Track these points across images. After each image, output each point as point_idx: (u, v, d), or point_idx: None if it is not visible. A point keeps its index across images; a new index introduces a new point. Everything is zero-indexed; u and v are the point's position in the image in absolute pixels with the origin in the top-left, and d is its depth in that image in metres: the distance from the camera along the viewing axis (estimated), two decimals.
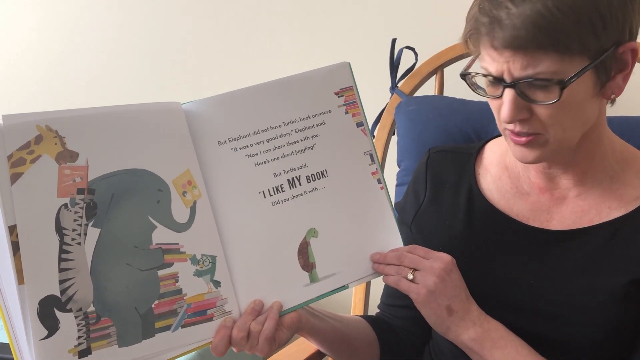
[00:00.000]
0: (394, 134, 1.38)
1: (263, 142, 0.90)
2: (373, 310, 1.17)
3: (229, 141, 0.89)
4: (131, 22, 1.91)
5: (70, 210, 0.78)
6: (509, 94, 0.85)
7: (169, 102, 0.87)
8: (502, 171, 1.01)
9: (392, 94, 1.39)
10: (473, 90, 0.91)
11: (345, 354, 1.04)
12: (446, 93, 1.39)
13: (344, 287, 0.94)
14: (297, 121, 0.92)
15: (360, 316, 1.10)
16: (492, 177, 1.02)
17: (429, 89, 1.41)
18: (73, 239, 0.78)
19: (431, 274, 0.89)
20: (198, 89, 1.86)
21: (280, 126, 0.91)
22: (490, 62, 0.85)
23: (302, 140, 0.92)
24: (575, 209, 0.95)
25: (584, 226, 0.94)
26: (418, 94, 1.39)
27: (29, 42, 2.01)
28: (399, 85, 1.39)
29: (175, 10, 1.87)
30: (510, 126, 0.87)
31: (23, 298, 0.75)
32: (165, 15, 1.88)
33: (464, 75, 0.91)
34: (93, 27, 1.95)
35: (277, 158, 0.91)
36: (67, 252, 0.78)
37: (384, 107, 1.39)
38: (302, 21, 1.74)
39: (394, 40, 1.39)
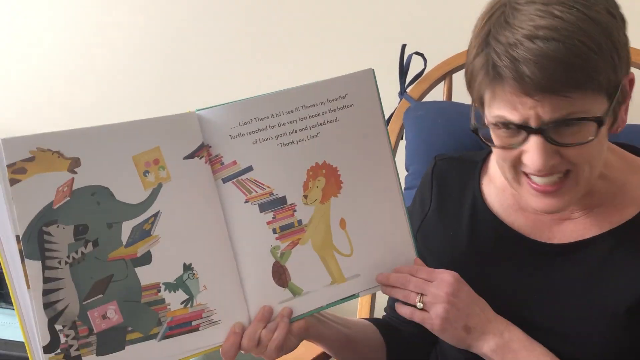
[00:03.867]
0: (402, 139, 1.39)
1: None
2: (379, 312, 1.17)
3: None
4: (141, 25, 1.92)
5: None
6: (536, 140, 0.80)
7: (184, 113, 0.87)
8: (506, 185, 0.98)
9: (401, 99, 1.39)
10: (484, 143, 0.87)
11: (352, 359, 1.04)
12: (455, 99, 1.40)
13: (354, 296, 0.94)
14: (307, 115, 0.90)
15: (368, 319, 1.10)
16: (495, 188, 1.01)
17: (437, 94, 1.41)
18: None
19: (439, 301, 0.88)
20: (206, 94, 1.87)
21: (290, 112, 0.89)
22: (510, 108, 0.80)
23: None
24: (576, 226, 0.94)
25: (585, 237, 0.92)
26: (427, 99, 1.40)
27: (39, 45, 2.03)
28: (407, 90, 1.40)
29: (185, 14, 1.88)
30: (537, 178, 0.84)
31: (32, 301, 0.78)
32: (174, 19, 1.89)
33: (476, 130, 0.87)
34: (102, 29, 1.96)
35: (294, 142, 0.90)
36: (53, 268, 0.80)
37: (392, 111, 1.40)
38: (311, 25, 1.75)
39: (403, 46, 1.39)
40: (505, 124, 0.82)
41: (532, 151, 0.81)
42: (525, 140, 0.82)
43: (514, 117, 0.81)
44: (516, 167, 0.86)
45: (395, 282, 0.92)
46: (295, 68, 1.78)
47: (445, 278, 0.89)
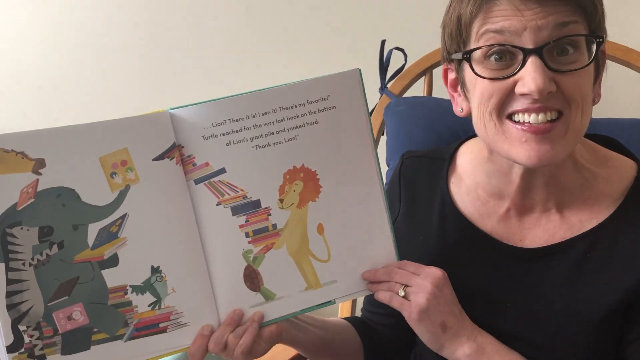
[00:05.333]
0: (383, 134, 1.38)
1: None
2: (360, 311, 1.16)
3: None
4: (129, 22, 1.90)
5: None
6: (533, 62, 0.77)
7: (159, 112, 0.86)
8: (476, 183, 0.97)
9: (382, 95, 1.39)
10: (476, 74, 0.82)
11: None
12: (435, 94, 1.39)
13: (330, 302, 0.92)
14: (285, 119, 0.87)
15: (347, 319, 1.08)
16: (466, 188, 0.98)
17: (418, 90, 1.41)
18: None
19: (423, 292, 0.86)
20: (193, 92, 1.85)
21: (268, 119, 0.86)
22: (505, 25, 0.78)
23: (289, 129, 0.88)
24: (547, 226, 0.91)
25: (557, 242, 0.90)
26: (407, 94, 1.39)
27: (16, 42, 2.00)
28: (388, 86, 1.39)
29: (173, 10, 1.86)
30: (530, 116, 0.80)
31: None
32: (164, 16, 1.87)
33: (469, 54, 0.82)
34: (87, 26, 1.94)
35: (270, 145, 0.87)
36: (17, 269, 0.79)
37: (373, 107, 1.39)
38: (292, 22, 1.74)
39: (383, 41, 1.39)
40: (503, 45, 0.79)
41: (530, 72, 0.77)
42: (520, 66, 0.78)
43: (509, 35, 0.78)
44: (503, 109, 0.82)
45: (382, 276, 0.90)
46: (275, 66, 1.76)
47: (434, 272, 0.88)
